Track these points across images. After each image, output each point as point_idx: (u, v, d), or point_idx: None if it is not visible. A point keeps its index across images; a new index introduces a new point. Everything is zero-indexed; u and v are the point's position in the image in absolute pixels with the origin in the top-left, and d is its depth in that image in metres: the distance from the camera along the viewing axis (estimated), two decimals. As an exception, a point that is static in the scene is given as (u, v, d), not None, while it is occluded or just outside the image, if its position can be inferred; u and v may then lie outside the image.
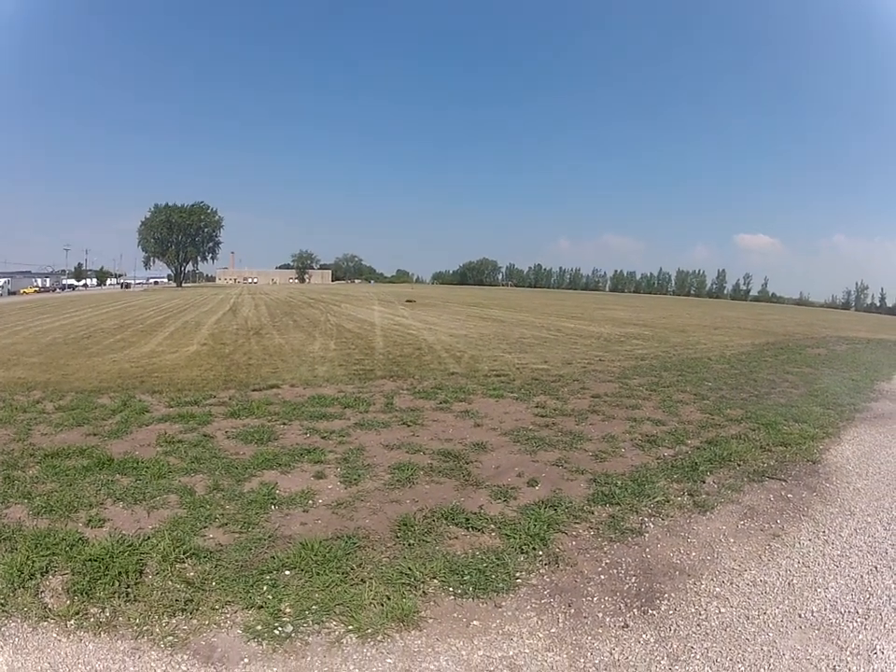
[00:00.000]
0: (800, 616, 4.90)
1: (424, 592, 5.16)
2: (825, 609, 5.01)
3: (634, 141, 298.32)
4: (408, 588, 5.18)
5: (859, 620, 4.88)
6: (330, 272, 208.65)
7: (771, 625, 4.76)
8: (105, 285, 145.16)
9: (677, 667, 4.26)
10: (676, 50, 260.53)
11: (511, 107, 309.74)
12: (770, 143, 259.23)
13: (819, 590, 5.32)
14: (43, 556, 5.45)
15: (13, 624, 4.62)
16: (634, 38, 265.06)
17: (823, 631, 4.69)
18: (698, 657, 4.35)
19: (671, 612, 4.96)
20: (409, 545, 5.95)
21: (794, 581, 5.45)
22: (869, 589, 5.38)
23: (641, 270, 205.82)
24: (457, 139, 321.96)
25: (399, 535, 6.17)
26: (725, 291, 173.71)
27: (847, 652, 4.42)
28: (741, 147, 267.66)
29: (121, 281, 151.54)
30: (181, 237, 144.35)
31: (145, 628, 4.58)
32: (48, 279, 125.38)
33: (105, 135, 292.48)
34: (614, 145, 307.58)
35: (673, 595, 5.22)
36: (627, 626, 4.76)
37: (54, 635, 4.53)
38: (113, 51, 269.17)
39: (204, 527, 6.24)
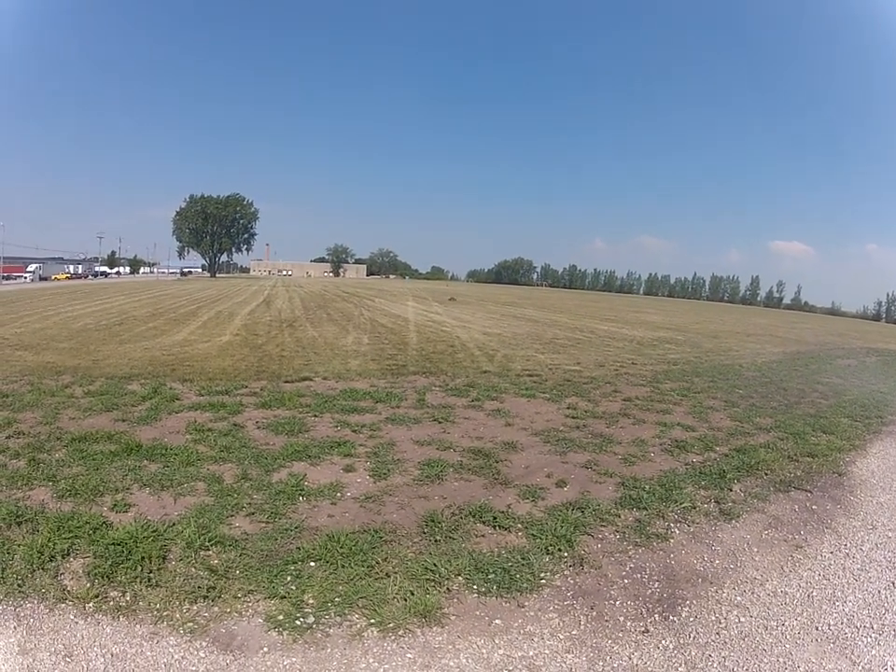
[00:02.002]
0: (817, 629, 4.90)
1: (448, 588, 5.17)
2: (842, 623, 5.00)
3: (669, 142, 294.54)
4: (432, 584, 5.19)
5: (873, 635, 4.85)
6: (365, 266, 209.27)
7: (788, 637, 4.76)
8: (138, 273, 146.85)
9: (694, 674, 4.27)
10: (706, 53, 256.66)
11: (546, 104, 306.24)
12: (803, 149, 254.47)
13: (837, 603, 5.31)
14: (65, 539, 5.51)
15: (29, 605, 4.69)
16: (670, 37, 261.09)
17: (838, 645, 4.68)
18: (715, 666, 4.37)
19: (692, 619, 4.97)
20: (435, 541, 5.96)
21: (814, 594, 5.45)
22: (885, 605, 5.34)
23: (675, 273, 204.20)
24: (495, 136, 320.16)
25: (425, 530, 6.18)
26: (759, 298, 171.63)
27: (860, 667, 4.42)
28: (778, 152, 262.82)
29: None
30: (216, 228, 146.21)
31: (165, 613, 4.63)
32: (80, 266, 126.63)
33: (140, 126, 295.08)
34: (650, 145, 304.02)
35: (694, 602, 5.23)
36: (648, 631, 4.77)
37: (71, 617, 4.58)
38: (149, 43, 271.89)
39: (231, 516, 6.29)
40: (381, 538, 5.92)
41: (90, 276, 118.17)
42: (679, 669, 4.30)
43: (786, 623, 4.93)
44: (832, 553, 6.28)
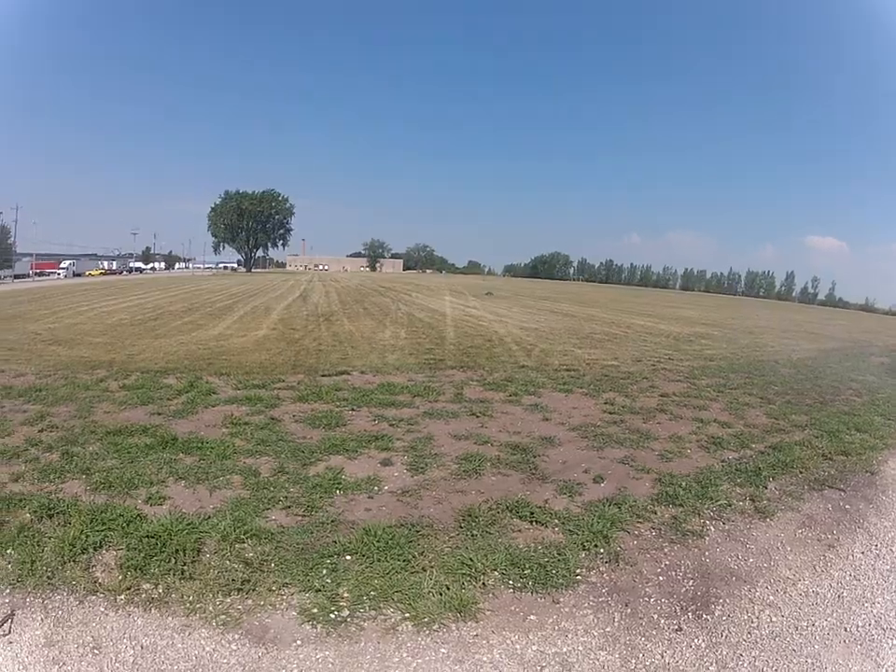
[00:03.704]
0: (845, 630, 4.89)
1: (483, 583, 5.19)
2: (869, 625, 4.98)
3: (704, 137, 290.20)
4: (468, 579, 5.21)
5: (899, 638, 4.82)
6: (402, 261, 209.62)
7: (818, 638, 4.76)
8: (173, 268, 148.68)
9: (724, 674, 4.25)
10: (749, 47, 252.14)
11: (584, 98, 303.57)
12: (841, 142, 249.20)
13: (866, 605, 5.29)
14: (98, 531, 5.59)
15: (58, 598, 4.76)
16: (709, 34, 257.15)
17: (865, 647, 4.67)
18: (745, 665, 4.38)
19: (724, 618, 4.98)
20: (472, 536, 5.97)
21: (844, 594, 5.44)
22: (913, 608, 5.29)
23: (711, 268, 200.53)
24: (529, 130, 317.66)
25: (462, 525, 6.19)
26: (794, 294, 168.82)
27: (884, 670, 4.42)
28: (815, 146, 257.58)
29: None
30: (251, 223, 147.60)
31: (198, 606, 4.68)
32: (114, 262, 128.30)
33: (174, 123, 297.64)
34: (683, 140, 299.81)
35: (728, 600, 5.23)
36: (681, 630, 4.78)
37: (101, 609, 4.66)
38: (180, 40, 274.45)
39: (267, 509, 6.34)
40: (418, 532, 5.94)
41: (124, 272, 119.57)
42: (710, 668, 4.33)
43: (816, 624, 4.95)
44: (863, 553, 6.25)
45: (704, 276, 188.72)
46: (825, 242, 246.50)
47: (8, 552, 5.28)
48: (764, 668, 4.32)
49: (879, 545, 6.41)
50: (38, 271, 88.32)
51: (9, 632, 4.34)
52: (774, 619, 4.96)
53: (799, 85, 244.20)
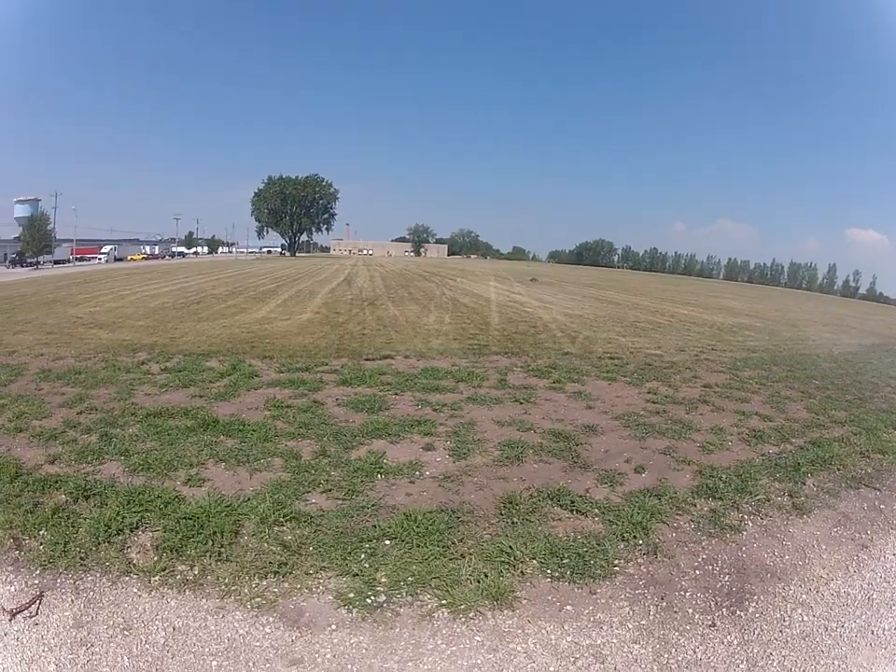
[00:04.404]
0: (872, 633, 4.83)
1: (522, 572, 5.16)
2: (895, 629, 4.87)
3: (748, 125, 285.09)
4: (506, 567, 5.18)
5: (925, 644, 4.72)
6: (446, 246, 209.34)
7: (846, 639, 4.71)
8: (216, 253, 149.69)
9: (754, 673, 4.27)
10: (795, 43, 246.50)
11: (627, 85, 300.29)
12: (882, 134, 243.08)
13: (893, 608, 5.22)
14: (135, 513, 5.63)
15: (90, 578, 4.81)
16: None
17: (890, 651, 4.62)
18: (775, 664, 4.37)
19: (757, 616, 4.95)
20: (512, 523, 5.94)
21: (874, 596, 5.36)
22: (940, 613, 5.17)
23: (755, 259, 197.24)
24: (573, 117, 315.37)
25: (503, 512, 6.16)
26: (835, 287, 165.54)
27: None
28: (859, 137, 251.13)
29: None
30: (295, 208, 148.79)
31: (233, 588, 4.69)
32: (156, 247, 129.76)
33: (221, 111, 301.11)
34: (726, 128, 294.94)
35: (762, 597, 5.19)
36: (714, 626, 4.78)
37: (134, 590, 4.69)
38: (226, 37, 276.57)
39: (307, 492, 6.36)
40: (458, 518, 5.92)
41: (167, 256, 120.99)
42: (741, 666, 4.32)
43: (845, 625, 4.89)
44: (894, 555, 6.11)
45: (747, 267, 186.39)
46: (866, 235, 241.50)
47: (41, 532, 5.35)
48: (792, 668, 4.32)
49: (911, 548, 6.30)
50: (79, 256, 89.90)
51: (37, 613, 4.38)
52: (805, 618, 4.92)
53: (845, 70, 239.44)
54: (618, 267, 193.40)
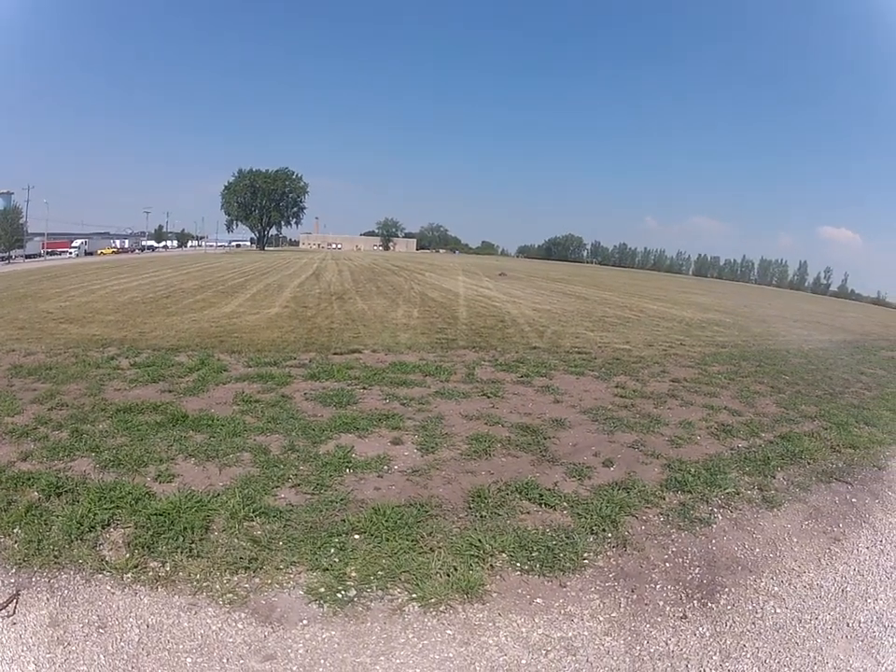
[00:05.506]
0: (847, 625, 4.87)
1: (491, 565, 5.19)
2: (871, 622, 4.94)
3: (723, 123, 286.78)
4: (476, 560, 5.20)
5: (899, 636, 4.84)
6: (415, 241, 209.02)
7: (820, 631, 4.75)
8: (185, 246, 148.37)
9: (727, 665, 4.28)
10: (768, 42, 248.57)
11: (597, 82, 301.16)
12: (856, 134, 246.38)
13: (868, 601, 5.27)
14: (106, 509, 5.60)
15: (64, 576, 4.77)
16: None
17: (866, 643, 4.65)
18: (748, 656, 4.37)
19: (729, 608, 4.98)
20: (481, 517, 5.98)
21: (848, 589, 5.41)
22: (915, 605, 5.30)
23: (728, 256, 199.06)
24: (545, 111, 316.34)
25: (471, 506, 6.19)
26: (806, 284, 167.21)
27: (884, 668, 4.39)
28: (832, 135, 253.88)
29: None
30: (265, 201, 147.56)
31: (205, 584, 4.68)
32: (126, 240, 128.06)
33: (186, 102, 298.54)
34: (701, 127, 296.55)
35: (733, 590, 5.23)
36: (686, 617, 4.78)
37: (108, 588, 4.66)
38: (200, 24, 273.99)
39: (276, 487, 6.35)
40: (426, 512, 5.94)
41: (136, 250, 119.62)
42: (714, 658, 4.32)
43: (819, 617, 4.92)
44: (867, 548, 6.20)
45: (717, 263, 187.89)
46: (839, 233, 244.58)
47: (15, 531, 5.29)
48: (767, 660, 4.31)
49: (884, 541, 6.37)
50: (50, 250, 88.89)
51: (14, 612, 4.34)
52: (778, 610, 4.95)
53: (816, 72, 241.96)
54: (587, 262, 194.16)
